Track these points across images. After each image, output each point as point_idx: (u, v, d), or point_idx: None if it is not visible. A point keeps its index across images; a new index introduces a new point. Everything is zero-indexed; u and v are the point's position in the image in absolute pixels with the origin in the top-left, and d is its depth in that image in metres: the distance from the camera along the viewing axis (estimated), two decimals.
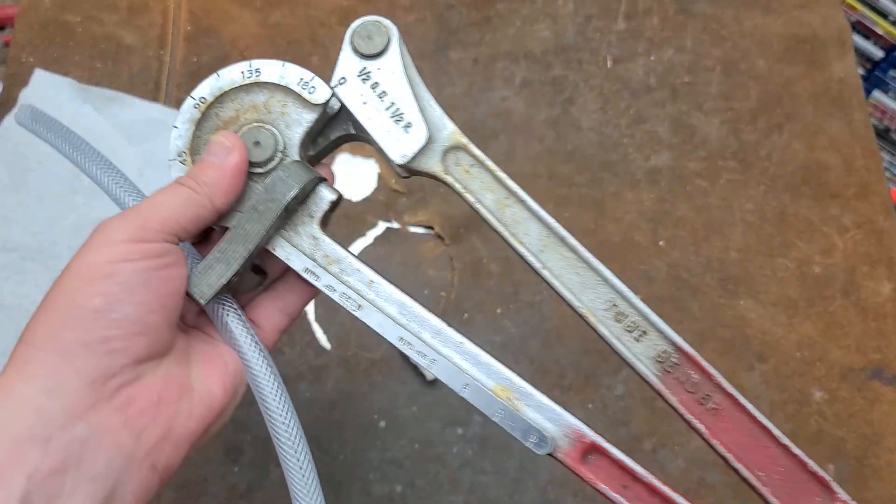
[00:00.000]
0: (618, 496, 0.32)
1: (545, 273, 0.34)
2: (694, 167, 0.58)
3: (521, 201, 0.34)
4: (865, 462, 0.50)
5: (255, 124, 0.33)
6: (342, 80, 0.34)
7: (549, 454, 0.32)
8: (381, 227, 0.56)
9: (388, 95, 0.33)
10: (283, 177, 0.31)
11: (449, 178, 0.34)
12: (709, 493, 0.49)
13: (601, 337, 0.34)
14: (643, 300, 0.54)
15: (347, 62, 0.34)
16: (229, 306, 0.32)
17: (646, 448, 0.50)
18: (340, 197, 0.34)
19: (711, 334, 0.53)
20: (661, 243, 0.56)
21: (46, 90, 0.58)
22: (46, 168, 0.56)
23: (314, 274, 0.33)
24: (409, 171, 0.34)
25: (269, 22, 0.63)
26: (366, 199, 0.57)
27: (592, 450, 0.33)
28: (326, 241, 0.33)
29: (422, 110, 0.33)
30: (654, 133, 0.59)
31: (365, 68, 0.34)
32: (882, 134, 1.34)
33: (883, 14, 1.25)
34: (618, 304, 0.34)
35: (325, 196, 0.33)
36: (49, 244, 0.54)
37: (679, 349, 0.34)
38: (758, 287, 0.55)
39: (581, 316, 0.33)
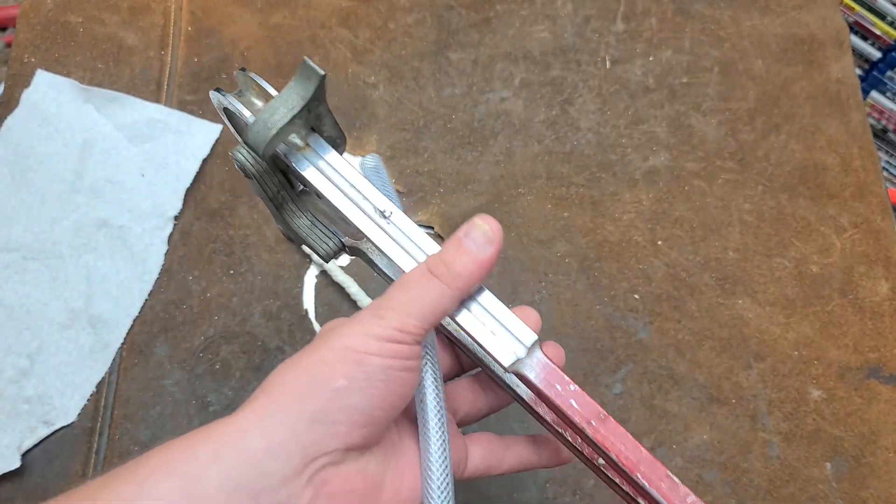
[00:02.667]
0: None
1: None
2: (692, 167, 0.59)
3: None
4: (863, 461, 0.50)
5: None
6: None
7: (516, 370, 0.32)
8: None
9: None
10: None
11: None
12: (707, 491, 0.49)
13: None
14: (641, 299, 0.54)
15: None
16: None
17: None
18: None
19: (709, 333, 0.53)
20: (659, 243, 0.56)
21: (48, 90, 0.58)
22: (48, 168, 0.56)
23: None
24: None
25: (270, 23, 0.63)
26: None
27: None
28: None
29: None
30: (652, 133, 0.60)
31: None
32: (880, 134, 1.34)
33: (881, 15, 1.26)
34: None
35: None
36: (51, 244, 0.54)
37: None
38: (755, 287, 0.55)
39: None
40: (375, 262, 0.38)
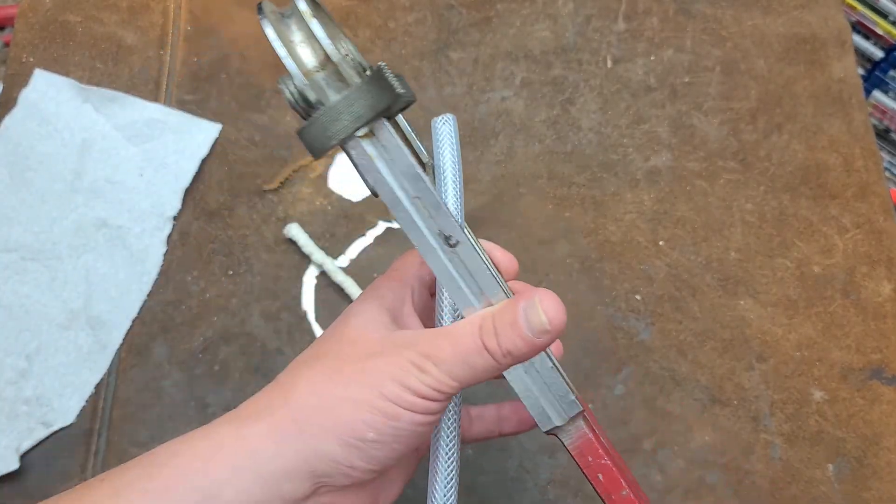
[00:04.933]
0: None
1: None
2: (694, 167, 0.58)
3: None
4: (865, 462, 0.50)
5: None
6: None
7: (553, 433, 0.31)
8: (381, 226, 0.56)
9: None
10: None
11: None
12: (708, 493, 0.49)
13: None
14: (643, 300, 0.54)
15: None
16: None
17: (646, 448, 0.50)
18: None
19: (711, 334, 0.53)
20: (660, 243, 0.56)
21: (47, 90, 0.58)
22: (47, 168, 0.56)
23: None
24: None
25: None
26: (366, 199, 0.57)
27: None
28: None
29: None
30: (653, 133, 0.59)
31: None
32: (882, 134, 1.34)
33: (883, 14, 1.25)
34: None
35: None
36: (50, 244, 0.54)
37: None
38: (757, 287, 0.55)
39: None
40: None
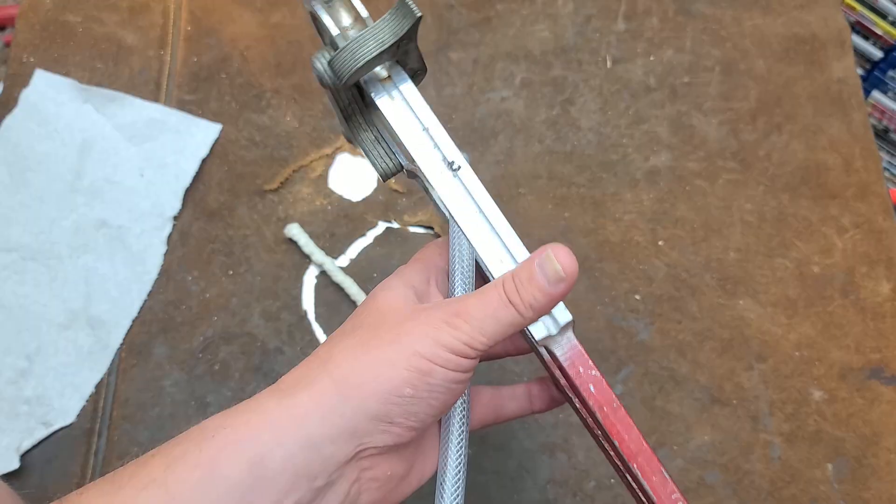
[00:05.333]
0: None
1: None
2: (693, 167, 0.58)
3: None
4: (864, 462, 0.50)
5: None
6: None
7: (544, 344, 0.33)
8: (381, 227, 0.56)
9: None
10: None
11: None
12: (708, 493, 0.49)
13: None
14: (642, 300, 0.54)
15: None
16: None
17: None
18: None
19: (710, 334, 0.53)
20: (660, 243, 0.56)
21: (47, 90, 0.58)
22: (47, 168, 0.56)
23: None
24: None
25: (270, 22, 0.63)
26: (366, 199, 0.57)
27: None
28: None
29: None
30: (653, 133, 0.59)
31: None
32: (881, 134, 1.34)
33: (882, 14, 1.25)
34: None
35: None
36: (49, 244, 0.54)
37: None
38: (757, 287, 0.55)
39: None
40: (430, 192, 0.38)
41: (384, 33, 0.31)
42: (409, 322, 0.30)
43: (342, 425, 0.28)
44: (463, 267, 0.34)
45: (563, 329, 0.33)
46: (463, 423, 0.34)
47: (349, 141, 0.38)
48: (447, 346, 0.29)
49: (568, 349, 0.33)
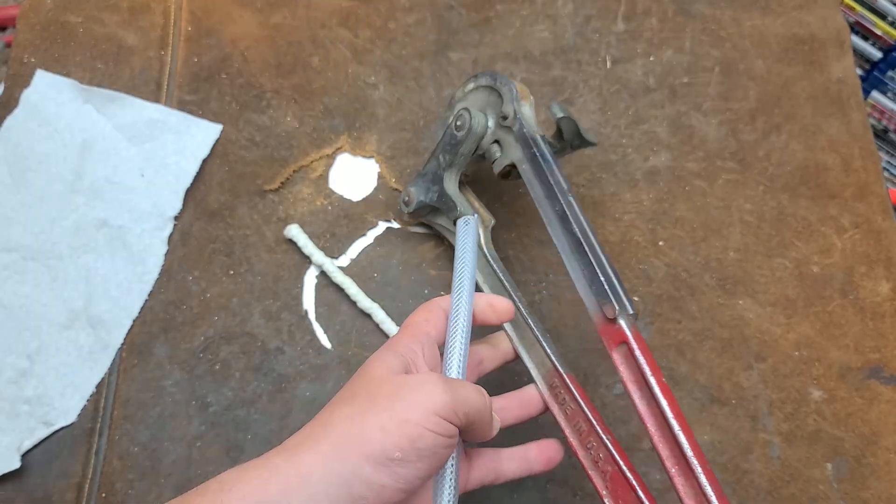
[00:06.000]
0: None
1: None
2: (692, 167, 0.59)
3: None
4: (864, 461, 0.50)
5: None
6: None
7: None
8: (382, 226, 0.56)
9: None
10: None
11: None
12: None
13: None
14: (642, 300, 0.54)
15: None
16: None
17: (644, 447, 0.50)
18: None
19: (710, 334, 0.53)
20: (659, 243, 0.56)
21: (48, 91, 0.58)
22: (47, 168, 0.56)
23: None
24: None
25: (270, 23, 0.63)
26: (366, 199, 0.57)
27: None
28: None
29: None
30: (652, 133, 0.60)
31: None
32: (880, 134, 1.34)
33: (881, 15, 1.26)
34: None
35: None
36: (50, 244, 0.54)
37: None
38: (756, 287, 0.55)
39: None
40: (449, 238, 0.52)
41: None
42: (401, 391, 0.34)
43: (340, 484, 0.32)
44: (461, 351, 0.40)
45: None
46: (452, 486, 0.37)
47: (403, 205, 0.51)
48: (435, 409, 0.33)
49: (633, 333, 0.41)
